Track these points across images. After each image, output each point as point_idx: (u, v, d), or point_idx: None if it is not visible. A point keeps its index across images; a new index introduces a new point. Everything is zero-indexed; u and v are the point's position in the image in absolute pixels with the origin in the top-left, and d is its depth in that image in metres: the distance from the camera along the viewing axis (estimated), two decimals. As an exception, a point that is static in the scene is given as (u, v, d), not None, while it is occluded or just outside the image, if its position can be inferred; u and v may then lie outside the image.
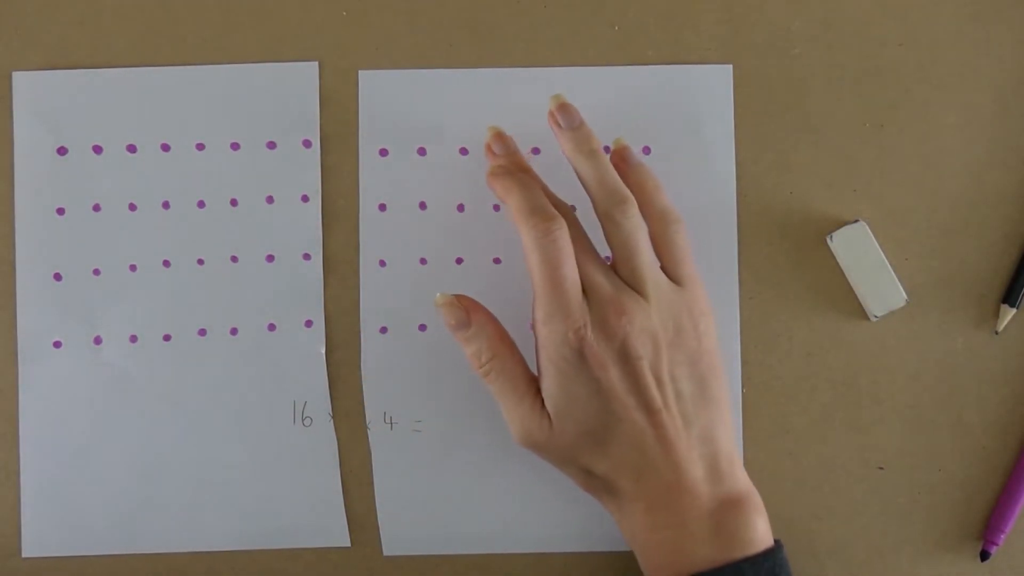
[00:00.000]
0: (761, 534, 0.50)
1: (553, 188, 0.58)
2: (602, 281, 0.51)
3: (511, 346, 0.53)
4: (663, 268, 0.53)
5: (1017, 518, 0.58)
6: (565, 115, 0.54)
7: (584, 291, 0.51)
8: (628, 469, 0.51)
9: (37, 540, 0.57)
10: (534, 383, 0.52)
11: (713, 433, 0.52)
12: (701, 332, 0.52)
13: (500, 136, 0.56)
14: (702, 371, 0.52)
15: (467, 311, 0.53)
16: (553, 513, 0.59)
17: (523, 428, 0.52)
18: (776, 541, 0.51)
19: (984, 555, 0.58)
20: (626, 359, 0.50)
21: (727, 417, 0.53)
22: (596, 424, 0.51)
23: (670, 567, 0.50)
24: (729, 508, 0.50)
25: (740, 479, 0.52)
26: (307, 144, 0.59)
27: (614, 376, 0.50)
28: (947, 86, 0.59)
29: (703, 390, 0.52)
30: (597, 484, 0.53)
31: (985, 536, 0.59)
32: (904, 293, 0.58)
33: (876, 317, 0.58)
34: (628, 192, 0.52)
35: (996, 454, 0.59)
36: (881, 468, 0.59)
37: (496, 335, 0.53)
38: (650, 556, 0.51)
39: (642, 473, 0.51)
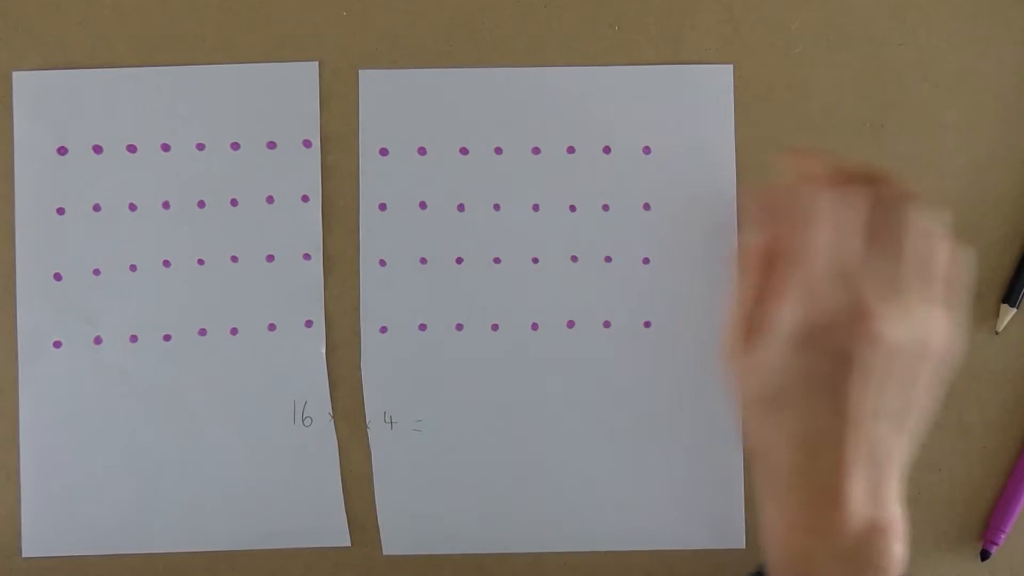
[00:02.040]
0: (895, 563, 0.48)
1: (553, 188, 0.59)
2: (865, 275, 0.48)
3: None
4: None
5: (1017, 518, 0.59)
6: None
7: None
8: (795, 462, 0.48)
9: (37, 540, 0.58)
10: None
11: (886, 460, 0.49)
12: (928, 363, 0.50)
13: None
14: (910, 399, 0.49)
15: None
16: (553, 513, 0.59)
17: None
18: None
19: (984, 555, 0.59)
20: (849, 361, 0.47)
21: (905, 454, 0.50)
22: (792, 401, 0.48)
23: (795, 569, 0.48)
24: (873, 533, 0.48)
25: (893, 510, 0.49)
26: (307, 144, 0.59)
27: (833, 370, 0.47)
28: (947, 86, 0.59)
29: (900, 419, 0.49)
30: (763, 453, 0.50)
31: (985, 536, 0.59)
32: None
33: None
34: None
35: (996, 454, 0.59)
36: None
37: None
38: (780, 552, 0.49)
39: (805, 472, 0.48)
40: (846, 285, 0.47)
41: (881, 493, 0.48)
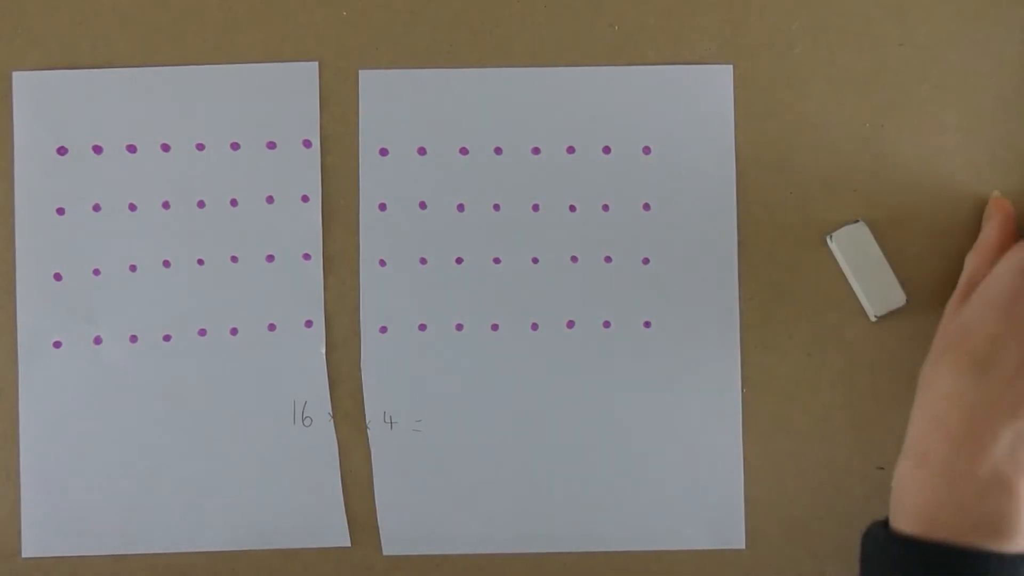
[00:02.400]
0: (1014, 528, 0.49)
1: (553, 188, 0.59)
2: None
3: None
4: None
5: None
6: None
7: None
8: (972, 403, 0.50)
9: (37, 540, 0.58)
10: None
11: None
12: None
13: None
14: None
15: None
16: (553, 513, 0.59)
17: None
18: None
19: None
20: None
21: None
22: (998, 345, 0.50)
23: (921, 514, 0.50)
24: (1000, 492, 0.49)
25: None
26: (307, 144, 0.59)
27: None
28: (947, 86, 0.59)
29: None
30: (941, 387, 0.51)
31: None
32: (904, 293, 0.58)
33: (876, 317, 0.58)
34: None
35: None
36: (881, 468, 0.59)
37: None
38: (911, 496, 0.51)
39: (976, 412, 0.49)
40: None
41: (1019, 456, 0.49)
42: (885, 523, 0.52)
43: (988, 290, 0.52)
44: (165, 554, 0.59)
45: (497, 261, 0.59)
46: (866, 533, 0.53)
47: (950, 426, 0.50)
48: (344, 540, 0.59)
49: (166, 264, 0.59)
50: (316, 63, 0.59)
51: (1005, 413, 0.49)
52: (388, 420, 0.59)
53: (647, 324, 0.59)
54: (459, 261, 0.59)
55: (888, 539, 0.50)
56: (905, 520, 0.50)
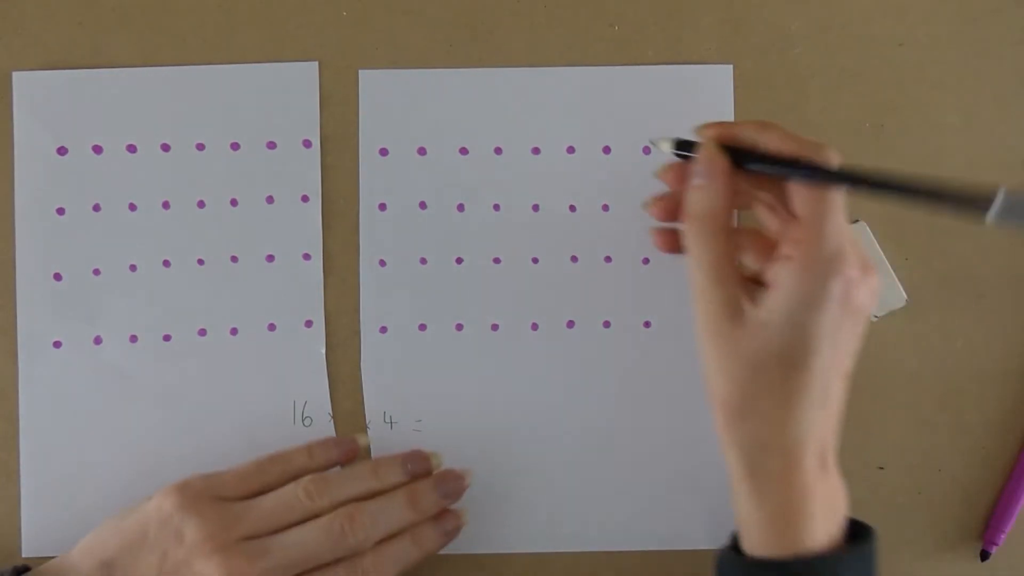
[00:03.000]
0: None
1: (552, 188, 0.59)
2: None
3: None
4: None
5: (1017, 518, 0.59)
6: None
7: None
8: (788, 428, 0.49)
9: (37, 540, 0.58)
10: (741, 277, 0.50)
11: (828, 428, 0.50)
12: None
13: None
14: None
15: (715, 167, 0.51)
16: (552, 513, 0.59)
17: (721, 307, 0.50)
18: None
19: (984, 555, 0.59)
20: (859, 318, 0.49)
21: (836, 419, 0.51)
22: (799, 358, 0.48)
23: (779, 540, 0.49)
24: (832, 491, 0.50)
25: (836, 475, 0.51)
26: (307, 144, 0.59)
27: (849, 328, 0.48)
28: (947, 86, 0.60)
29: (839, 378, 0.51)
30: (741, 417, 0.50)
31: (985, 536, 0.59)
32: (904, 293, 0.58)
33: (876, 317, 0.59)
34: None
35: (996, 454, 0.60)
36: (881, 468, 0.59)
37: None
38: (757, 531, 0.50)
39: (795, 442, 0.49)
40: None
41: (826, 460, 0.50)
42: (734, 546, 0.52)
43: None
44: (165, 554, 0.59)
45: (497, 261, 0.60)
46: (718, 558, 0.53)
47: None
48: (344, 540, 0.59)
49: (166, 264, 0.59)
50: (316, 63, 0.59)
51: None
52: (388, 420, 0.59)
53: (647, 324, 0.60)
54: (459, 261, 0.59)
55: (742, 563, 0.51)
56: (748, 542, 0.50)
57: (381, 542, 0.54)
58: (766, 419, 0.49)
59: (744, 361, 0.49)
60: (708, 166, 0.50)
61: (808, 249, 0.48)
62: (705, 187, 0.50)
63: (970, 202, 0.47)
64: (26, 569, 0.53)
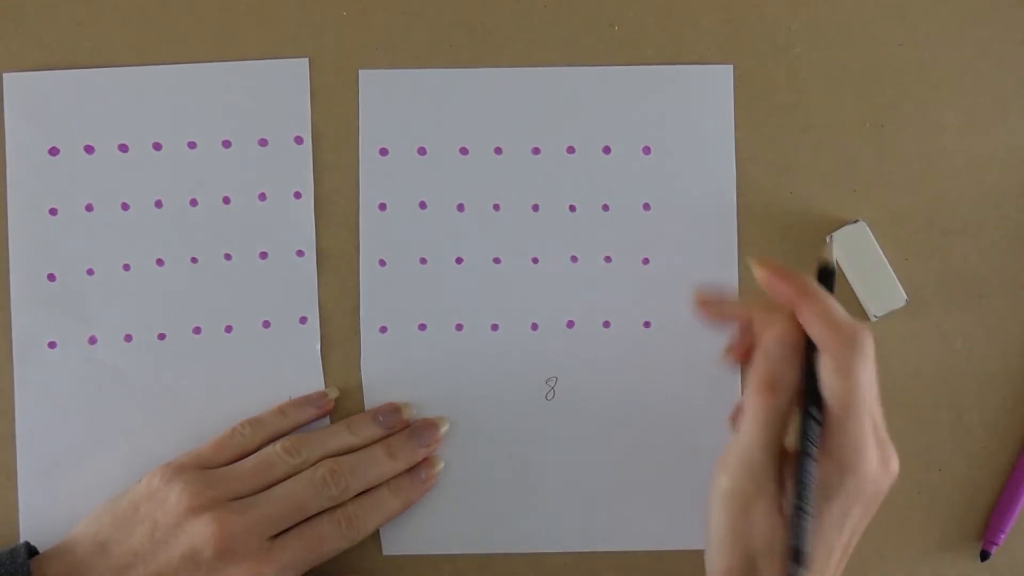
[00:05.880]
0: None
1: (553, 188, 0.60)
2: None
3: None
4: None
5: (1017, 518, 0.60)
6: None
7: None
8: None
9: (36, 539, 0.57)
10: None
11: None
12: None
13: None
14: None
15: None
16: (553, 512, 0.60)
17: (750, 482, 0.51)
18: None
19: (984, 555, 0.60)
20: (868, 512, 0.51)
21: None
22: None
23: None
24: None
25: None
26: (299, 141, 0.60)
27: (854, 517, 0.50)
28: (947, 86, 0.61)
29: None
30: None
31: (985, 536, 0.60)
32: (904, 293, 0.60)
33: (876, 317, 0.60)
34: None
35: (996, 454, 0.61)
36: None
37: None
38: None
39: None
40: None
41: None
42: None
43: None
44: (162, 556, 0.60)
45: (497, 261, 0.61)
46: None
47: None
48: (343, 540, 0.60)
49: (159, 263, 0.60)
50: (306, 59, 0.60)
51: None
52: (388, 420, 0.60)
53: (647, 324, 0.61)
54: (459, 261, 0.61)
55: None
56: None
57: (362, 494, 0.57)
58: None
59: (752, 545, 0.50)
60: (790, 347, 0.51)
61: (826, 444, 0.49)
62: (781, 361, 0.51)
63: None
64: (35, 552, 0.55)
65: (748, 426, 0.51)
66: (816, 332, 0.50)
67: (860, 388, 0.48)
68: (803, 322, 0.50)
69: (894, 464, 0.50)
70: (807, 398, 0.50)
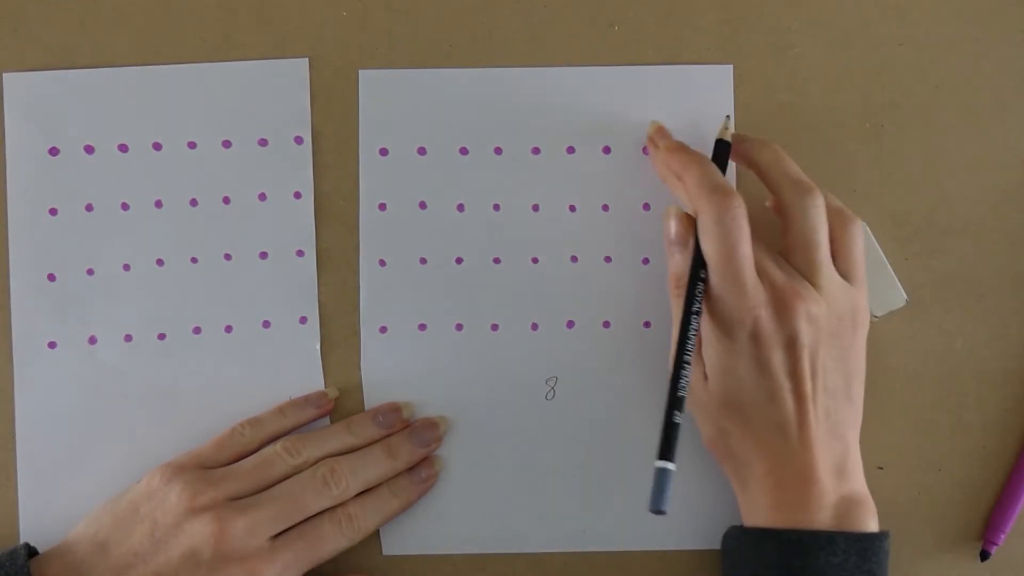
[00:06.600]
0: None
1: (552, 188, 0.61)
2: (775, 266, 0.54)
3: None
4: (835, 264, 0.56)
5: (1017, 518, 0.60)
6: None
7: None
8: (765, 450, 0.54)
9: (36, 539, 0.57)
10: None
11: (846, 432, 0.55)
12: (858, 332, 0.56)
13: (663, 128, 0.60)
14: (850, 369, 0.55)
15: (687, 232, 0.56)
16: (553, 513, 0.61)
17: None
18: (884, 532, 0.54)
19: (984, 555, 0.60)
20: (792, 344, 0.53)
21: (859, 420, 0.56)
22: (747, 398, 0.54)
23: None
24: (850, 504, 0.53)
25: (860, 481, 0.55)
26: (299, 141, 0.61)
27: (777, 358, 0.53)
28: (947, 86, 0.61)
29: (847, 388, 0.55)
30: (728, 452, 0.56)
31: (985, 536, 0.61)
32: (904, 293, 0.60)
33: (876, 317, 0.60)
34: (813, 183, 0.55)
35: (996, 454, 0.61)
36: (881, 468, 0.60)
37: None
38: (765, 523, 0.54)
39: (777, 456, 0.53)
40: (767, 281, 0.53)
41: (846, 466, 0.54)
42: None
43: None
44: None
45: (497, 261, 0.61)
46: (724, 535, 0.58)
47: None
48: (343, 540, 0.60)
49: (159, 263, 0.61)
50: (306, 59, 0.61)
51: None
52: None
53: (647, 324, 0.61)
54: (459, 261, 0.61)
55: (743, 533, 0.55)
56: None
57: (362, 493, 0.58)
58: (747, 458, 0.55)
59: (711, 412, 0.56)
60: (679, 236, 0.57)
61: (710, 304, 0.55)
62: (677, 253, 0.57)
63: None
64: (35, 552, 0.55)
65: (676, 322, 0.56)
66: (692, 197, 0.54)
67: (728, 246, 0.53)
68: (686, 190, 0.56)
69: (803, 298, 0.54)
70: (695, 261, 0.55)
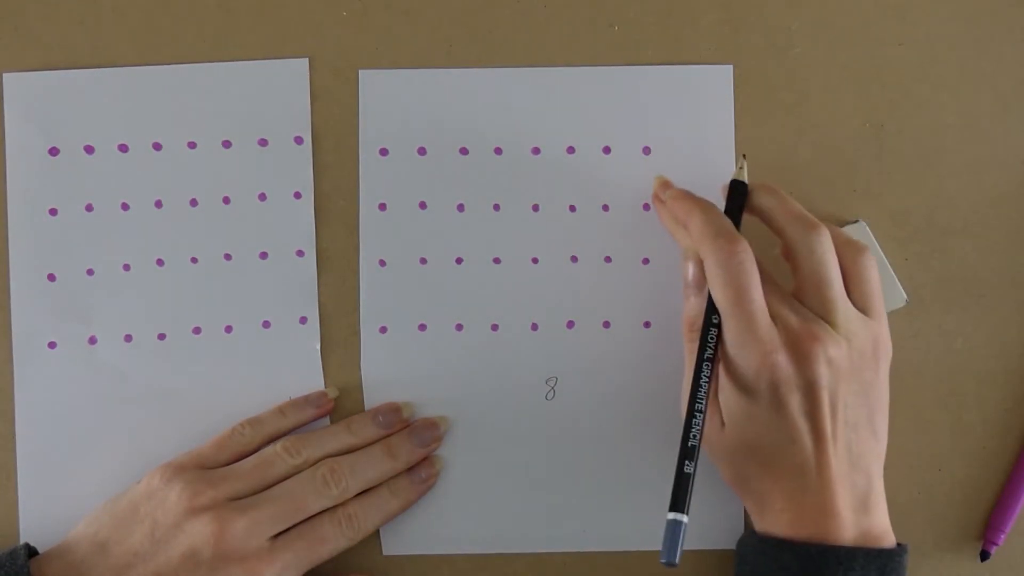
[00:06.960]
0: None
1: (552, 188, 0.61)
2: (788, 309, 0.54)
3: None
4: (850, 298, 0.55)
5: (1017, 518, 0.61)
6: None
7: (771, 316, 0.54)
8: (784, 490, 0.53)
9: (36, 539, 0.58)
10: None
11: (870, 465, 0.54)
12: (880, 366, 0.55)
13: (667, 181, 0.60)
14: (873, 401, 0.55)
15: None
16: (553, 513, 0.61)
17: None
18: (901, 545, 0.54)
19: (984, 555, 0.61)
20: (811, 388, 0.52)
21: (883, 451, 0.55)
22: (766, 441, 0.53)
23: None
24: (869, 540, 0.53)
25: (882, 518, 0.54)
26: (299, 141, 0.61)
27: (795, 401, 0.53)
28: (947, 86, 0.62)
29: (870, 421, 0.55)
30: (747, 490, 0.56)
31: (985, 536, 0.61)
32: (904, 293, 0.60)
33: None
34: (818, 220, 0.55)
35: (996, 454, 0.61)
36: None
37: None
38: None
39: (795, 495, 0.53)
40: (782, 325, 0.53)
41: (868, 501, 0.53)
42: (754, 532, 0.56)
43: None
44: (162, 556, 0.60)
45: (497, 261, 0.61)
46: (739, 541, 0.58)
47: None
48: (343, 540, 0.60)
49: (159, 263, 0.61)
50: (306, 59, 0.61)
51: None
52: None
53: (647, 324, 0.61)
54: (459, 261, 0.61)
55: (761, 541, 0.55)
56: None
57: (361, 493, 0.58)
58: (767, 496, 0.54)
59: (730, 456, 0.56)
60: (695, 280, 0.57)
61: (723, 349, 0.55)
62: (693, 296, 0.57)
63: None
64: (35, 552, 0.56)
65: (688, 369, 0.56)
66: (697, 242, 0.55)
67: (736, 290, 0.53)
68: (691, 236, 0.56)
69: (819, 342, 0.53)
70: (709, 307, 0.55)
